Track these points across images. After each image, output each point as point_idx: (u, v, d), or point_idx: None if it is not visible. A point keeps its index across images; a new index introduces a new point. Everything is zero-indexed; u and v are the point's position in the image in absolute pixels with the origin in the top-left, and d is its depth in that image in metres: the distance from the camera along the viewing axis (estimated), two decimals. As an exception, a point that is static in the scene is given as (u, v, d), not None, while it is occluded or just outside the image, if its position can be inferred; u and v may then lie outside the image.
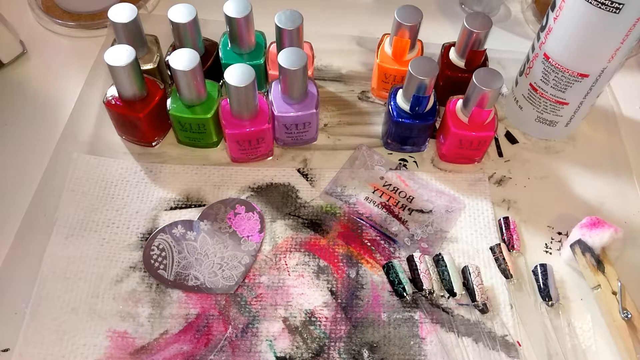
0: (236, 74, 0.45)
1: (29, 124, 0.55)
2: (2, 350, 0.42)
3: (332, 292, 0.45)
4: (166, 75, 0.55)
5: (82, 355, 0.42)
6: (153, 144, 0.53)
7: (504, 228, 0.49)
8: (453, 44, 0.54)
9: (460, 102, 0.50)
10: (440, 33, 0.61)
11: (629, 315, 0.43)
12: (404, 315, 0.44)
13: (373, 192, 0.51)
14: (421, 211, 0.50)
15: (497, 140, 0.56)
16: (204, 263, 0.46)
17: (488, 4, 0.67)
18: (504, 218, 0.49)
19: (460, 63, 0.53)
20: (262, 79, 0.54)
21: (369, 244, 0.48)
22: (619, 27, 0.43)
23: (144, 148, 0.53)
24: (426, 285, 0.45)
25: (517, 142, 0.56)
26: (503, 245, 0.47)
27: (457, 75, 0.53)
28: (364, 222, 0.49)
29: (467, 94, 0.48)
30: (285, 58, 0.46)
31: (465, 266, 0.46)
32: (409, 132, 0.51)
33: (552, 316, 0.44)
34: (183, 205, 0.50)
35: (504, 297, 0.45)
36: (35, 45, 0.61)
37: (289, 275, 0.46)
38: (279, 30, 0.50)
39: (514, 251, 0.48)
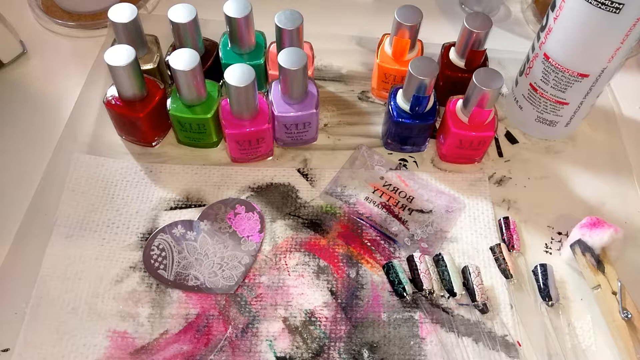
0: (236, 74, 0.45)
1: (29, 124, 0.55)
2: (2, 350, 0.42)
3: (332, 292, 0.45)
4: (166, 75, 0.55)
5: (82, 355, 0.42)
6: (153, 144, 0.53)
7: (504, 228, 0.49)
8: (453, 44, 0.54)
9: (460, 102, 0.50)
10: (440, 33, 0.61)
11: (629, 315, 0.43)
12: (404, 315, 0.44)
13: (373, 192, 0.51)
14: (421, 211, 0.50)
15: (497, 140, 0.56)
16: (204, 263, 0.46)
17: (488, 4, 0.67)
18: (504, 218, 0.49)
19: (460, 63, 0.53)
20: (262, 79, 0.54)
21: (369, 244, 0.48)
22: (619, 27, 0.43)
23: (144, 148, 0.53)
24: (426, 285, 0.45)
25: (517, 142, 0.56)
26: (503, 245, 0.47)
27: (457, 75, 0.53)
28: (364, 222, 0.49)
29: (467, 94, 0.48)
30: (285, 58, 0.46)
31: (465, 266, 0.46)
32: (409, 132, 0.51)
33: (552, 316, 0.44)
34: (183, 205, 0.50)
35: (504, 297, 0.45)
36: (35, 45, 0.61)
37: (289, 275, 0.46)
38: (279, 30, 0.50)
39: (514, 251, 0.48)
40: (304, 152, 0.54)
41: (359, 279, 0.46)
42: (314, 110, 0.50)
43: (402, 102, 0.50)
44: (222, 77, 0.47)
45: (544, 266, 0.46)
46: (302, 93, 0.49)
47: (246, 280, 0.46)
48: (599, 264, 0.46)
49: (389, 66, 0.54)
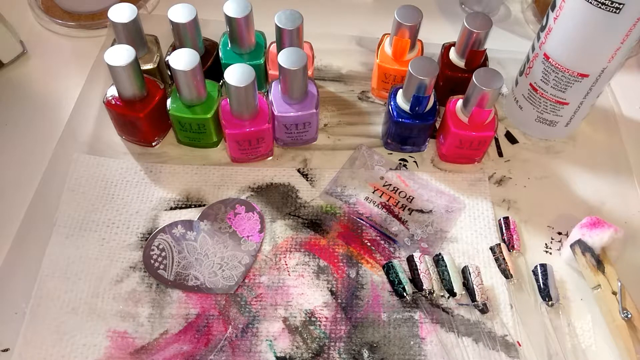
0: (236, 74, 0.45)
1: (29, 124, 0.55)
2: (2, 350, 0.42)
3: (332, 292, 0.45)
4: (166, 75, 0.55)
5: (82, 355, 0.42)
6: (153, 144, 0.53)
7: (504, 228, 0.49)
8: (453, 44, 0.54)
9: (460, 102, 0.50)
10: (440, 33, 0.61)
11: (629, 315, 0.43)
12: (404, 315, 0.44)
13: (373, 192, 0.51)
14: (421, 211, 0.50)
15: (497, 140, 0.56)
16: (204, 263, 0.46)
17: (488, 4, 0.67)
18: (504, 218, 0.49)
19: (460, 63, 0.53)
20: (262, 79, 0.54)
21: (369, 244, 0.48)
22: (619, 27, 0.43)
23: (144, 148, 0.53)
24: (426, 285, 0.45)
25: (517, 142, 0.56)
26: (503, 245, 0.47)
27: (457, 75, 0.53)
28: (364, 222, 0.49)
29: (467, 94, 0.48)
30: (285, 58, 0.46)
31: (465, 266, 0.46)
32: (409, 132, 0.51)
33: (552, 316, 0.44)
34: (183, 205, 0.50)
35: (504, 297, 0.45)
36: (35, 45, 0.61)
37: (289, 275, 0.46)
38: (279, 30, 0.50)
39: (514, 251, 0.48)
40: (304, 152, 0.54)
41: (359, 279, 0.46)
42: (314, 110, 0.50)
43: (402, 102, 0.50)
44: (222, 77, 0.47)
45: (544, 266, 0.46)
46: (302, 93, 0.49)
47: (246, 280, 0.46)
48: (599, 264, 0.46)
49: (389, 66, 0.54)
